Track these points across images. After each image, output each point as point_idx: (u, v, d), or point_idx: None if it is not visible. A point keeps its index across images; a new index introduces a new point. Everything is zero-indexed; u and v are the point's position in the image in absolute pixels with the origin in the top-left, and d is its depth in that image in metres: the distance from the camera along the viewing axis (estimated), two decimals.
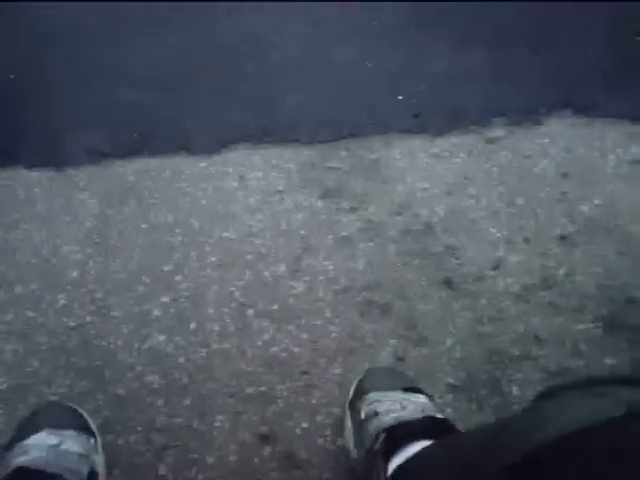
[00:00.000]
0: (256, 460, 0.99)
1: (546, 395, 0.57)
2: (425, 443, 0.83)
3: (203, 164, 1.53)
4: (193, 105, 1.72)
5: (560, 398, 0.55)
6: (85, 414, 0.97)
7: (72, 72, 1.82)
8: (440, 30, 2.01)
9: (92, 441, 0.93)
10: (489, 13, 2.08)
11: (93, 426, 0.97)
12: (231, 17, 2.05)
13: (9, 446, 0.90)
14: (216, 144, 1.58)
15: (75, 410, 0.97)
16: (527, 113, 1.69)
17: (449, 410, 1.05)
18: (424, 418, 0.88)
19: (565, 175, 1.50)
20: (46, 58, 1.87)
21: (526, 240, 1.35)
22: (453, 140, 1.61)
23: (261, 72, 1.84)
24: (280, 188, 1.46)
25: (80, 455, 0.89)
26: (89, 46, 1.92)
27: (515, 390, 1.09)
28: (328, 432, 1.03)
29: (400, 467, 0.81)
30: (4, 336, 1.15)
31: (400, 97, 1.75)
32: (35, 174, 1.49)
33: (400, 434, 0.85)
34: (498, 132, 1.62)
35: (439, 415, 0.90)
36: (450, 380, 1.10)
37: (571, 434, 0.48)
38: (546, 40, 1.96)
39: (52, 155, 1.54)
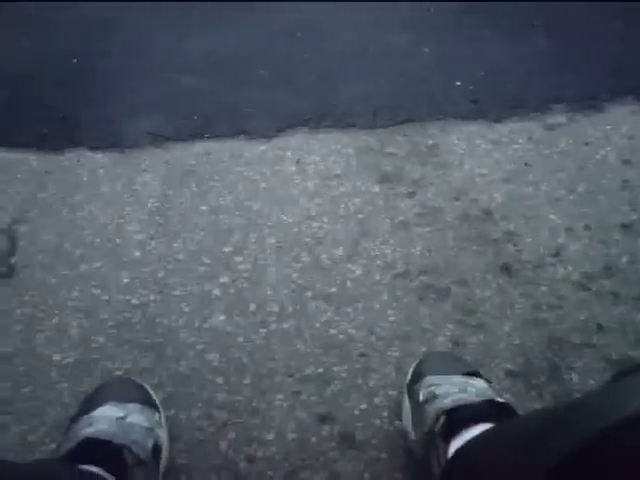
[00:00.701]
0: (314, 439, 1.01)
1: (621, 375, 0.57)
2: (486, 426, 0.82)
3: (262, 148, 1.54)
4: (251, 90, 1.73)
5: (633, 377, 0.54)
6: (149, 389, 1.00)
7: (133, 58, 1.85)
8: (498, 16, 1.99)
9: (156, 415, 0.96)
10: (543, 2, 2.05)
11: (157, 400, 0.99)
12: (287, 4, 2.06)
13: (75, 418, 0.93)
14: (274, 128, 1.60)
15: (139, 385, 1.00)
16: (588, 99, 1.66)
17: (508, 396, 1.04)
18: (485, 401, 0.88)
19: (627, 162, 1.48)
20: (107, 45, 1.90)
21: (587, 227, 1.33)
22: (512, 126, 1.59)
23: (318, 58, 1.85)
24: (338, 172, 1.47)
25: (145, 428, 0.91)
26: (149, 33, 1.95)
27: (575, 378, 1.08)
28: (386, 414, 1.03)
29: (460, 449, 0.81)
30: (70, 312, 1.19)
31: (458, 83, 1.74)
32: (99, 156, 1.52)
33: (461, 416, 0.85)
34: (558, 118, 1.60)
35: (500, 399, 0.89)
36: (508, 366, 1.10)
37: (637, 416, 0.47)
38: (607, 26, 1.93)
39: (115, 137, 1.57)
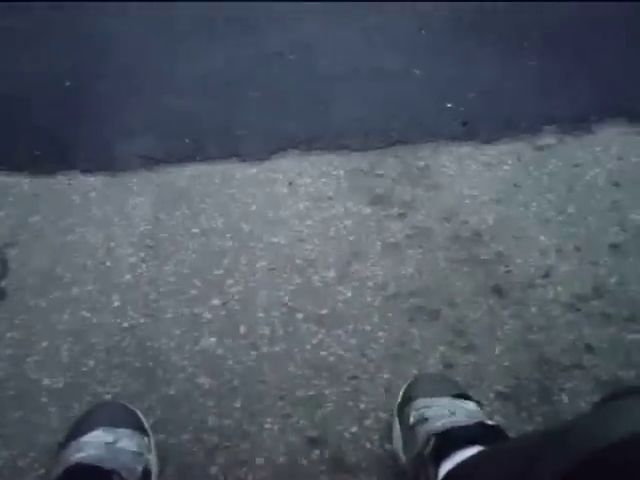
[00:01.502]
0: (305, 462, 1.00)
1: (608, 399, 0.57)
2: (476, 449, 0.83)
3: (253, 170, 1.55)
4: (243, 112, 1.74)
5: (623, 400, 0.55)
6: (139, 413, 1.00)
7: (125, 81, 1.86)
8: (489, 38, 2.01)
9: (146, 440, 0.95)
10: (539, 21, 2.07)
11: (147, 425, 0.99)
12: (280, 27, 2.08)
13: (65, 443, 0.93)
14: (266, 151, 1.61)
15: (129, 409, 0.99)
16: (578, 121, 1.67)
17: (498, 418, 1.04)
18: (475, 424, 0.88)
19: (616, 184, 1.49)
20: (100, 67, 1.91)
21: (577, 249, 1.34)
22: (502, 148, 1.61)
23: (310, 80, 1.86)
24: (329, 194, 1.48)
25: (135, 453, 0.91)
26: (141, 56, 1.96)
27: (565, 399, 1.08)
28: (376, 437, 1.03)
29: (451, 472, 0.81)
30: (61, 336, 1.18)
31: (449, 105, 1.75)
32: (90, 179, 1.53)
33: (451, 439, 0.85)
34: (548, 140, 1.62)
35: (490, 421, 0.90)
36: (499, 388, 1.10)
37: (629, 438, 0.48)
38: (597, 47, 1.95)
39: (106, 160, 1.58)
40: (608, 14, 2.07)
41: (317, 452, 1.01)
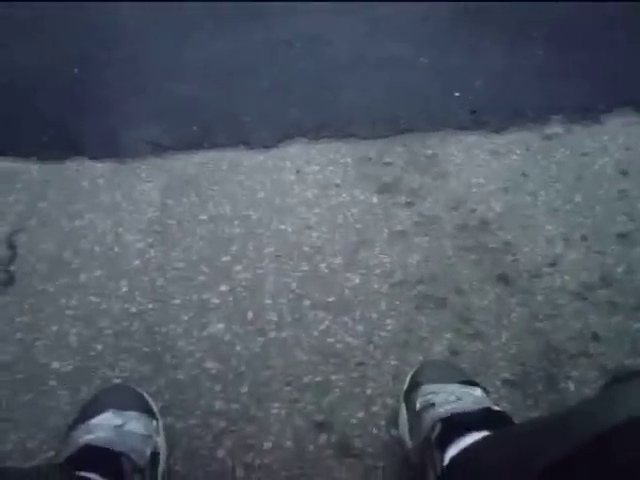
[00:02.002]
0: (311, 447, 1.01)
1: (611, 383, 0.57)
2: (482, 434, 0.83)
3: (261, 157, 1.55)
4: (251, 100, 1.74)
5: (623, 385, 0.55)
6: (147, 397, 1.00)
7: (132, 69, 1.86)
8: (497, 27, 2.01)
9: (154, 423, 0.96)
10: (547, 10, 2.07)
11: (155, 408, 0.99)
12: (287, 15, 2.07)
13: (74, 426, 0.93)
14: (274, 138, 1.61)
15: (138, 392, 1.00)
16: (586, 110, 1.67)
17: (504, 405, 1.04)
18: (481, 409, 0.88)
19: (624, 173, 1.48)
20: (107, 55, 1.92)
21: (584, 238, 1.34)
22: (510, 137, 1.60)
23: (317, 68, 1.86)
24: (337, 182, 1.48)
25: (143, 436, 0.91)
26: (149, 44, 1.97)
27: (571, 387, 1.08)
28: (383, 422, 1.04)
29: (456, 457, 0.82)
30: (69, 320, 1.19)
31: (457, 94, 1.75)
32: (99, 165, 1.53)
33: (457, 424, 0.86)
34: (556, 129, 1.61)
35: (496, 407, 0.90)
36: (505, 375, 1.10)
37: (628, 422, 0.48)
38: (604, 37, 1.94)
39: (115, 147, 1.58)
40: (617, 7, 2.06)
41: (324, 437, 1.02)
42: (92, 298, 1.23)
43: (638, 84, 1.76)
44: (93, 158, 1.55)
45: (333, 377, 1.10)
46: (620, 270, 1.27)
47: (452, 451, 0.84)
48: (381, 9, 2.10)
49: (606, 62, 1.84)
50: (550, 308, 1.20)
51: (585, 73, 1.80)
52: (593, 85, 1.76)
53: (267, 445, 1.01)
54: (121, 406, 0.95)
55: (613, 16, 2.02)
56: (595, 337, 1.15)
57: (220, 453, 1.00)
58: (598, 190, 1.44)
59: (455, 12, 2.08)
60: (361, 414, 1.05)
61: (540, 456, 0.56)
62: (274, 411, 1.05)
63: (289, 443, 1.01)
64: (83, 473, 0.81)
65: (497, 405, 0.93)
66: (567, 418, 0.59)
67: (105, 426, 0.91)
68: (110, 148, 1.59)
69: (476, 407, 0.90)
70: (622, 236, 1.34)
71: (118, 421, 0.92)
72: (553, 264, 1.28)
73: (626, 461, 0.48)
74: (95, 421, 0.92)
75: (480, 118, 1.66)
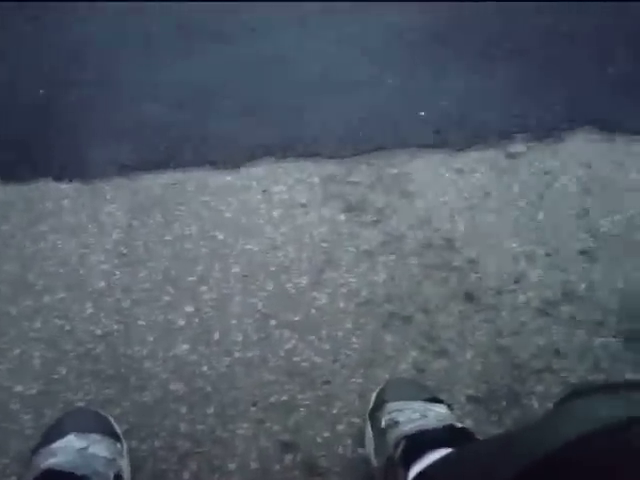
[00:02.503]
0: (277, 467, 1.01)
1: (572, 396, 0.59)
2: (445, 451, 0.84)
3: (227, 178, 1.56)
4: (218, 120, 1.75)
5: (571, 402, 0.56)
6: (111, 419, 0.99)
7: (100, 88, 1.86)
8: (461, 48, 2.04)
9: (118, 445, 0.95)
10: (509, 31, 2.10)
11: (119, 431, 0.99)
12: (254, 35, 2.09)
13: (37, 450, 0.92)
14: (240, 158, 1.61)
15: (101, 415, 0.99)
16: (548, 129, 1.70)
17: (469, 421, 1.05)
18: (445, 427, 0.89)
19: (586, 191, 1.51)
20: (74, 74, 1.91)
21: (547, 254, 1.36)
22: (474, 155, 1.62)
23: (284, 88, 1.87)
24: (303, 202, 1.48)
25: (107, 459, 0.90)
26: (116, 63, 1.96)
27: (535, 403, 1.09)
28: (349, 441, 1.04)
29: (420, 474, 0.82)
30: (33, 343, 1.18)
31: (422, 113, 1.77)
32: (64, 186, 1.52)
33: (420, 442, 0.86)
34: (519, 147, 1.64)
35: (459, 424, 0.91)
36: (470, 392, 1.11)
37: (581, 437, 0.49)
38: (569, 56, 1.98)
39: (80, 168, 1.57)
40: (580, 25, 2.11)
41: (290, 457, 1.02)
42: (56, 320, 1.22)
43: (600, 103, 1.79)
44: (58, 179, 1.54)
45: (299, 396, 1.10)
46: (582, 287, 1.29)
47: (416, 469, 0.84)
48: (348, 28, 2.12)
49: (568, 81, 1.87)
50: (514, 325, 1.22)
51: (548, 92, 1.83)
52: (556, 104, 1.79)
53: (232, 466, 1.01)
54: (84, 429, 0.94)
55: (575, 35, 2.06)
56: (558, 353, 1.17)
57: (185, 475, 1.00)
58: (561, 208, 1.46)
59: (421, 33, 2.11)
60: (327, 433, 1.05)
61: (498, 473, 0.57)
62: (240, 432, 1.05)
63: (255, 464, 1.01)
64: None
65: (462, 422, 0.94)
66: (520, 437, 0.61)
67: (68, 449, 0.90)
68: (75, 169, 1.58)
69: (440, 424, 0.90)
70: (584, 253, 1.36)
71: (81, 444, 0.91)
72: (517, 281, 1.30)
73: (575, 474, 0.49)
74: (58, 444, 0.91)
75: (445, 137, 1.68)
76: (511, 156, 1.62)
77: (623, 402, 0.51)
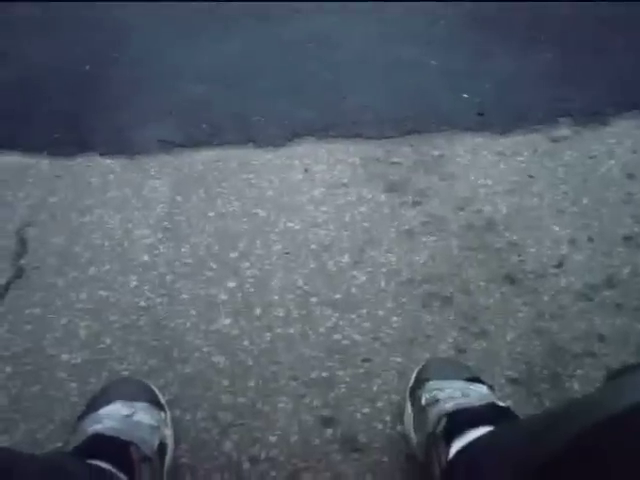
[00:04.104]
0: (317, 441, 1.02)
1: (612, 377, 0.58)
2: (487, 429, 0.84)
3: (269, 156, 1.56)
4: (260, 100, 1.76)
5: (624, 377, 0.56)
6: (155, 389, 1.01)
7: (142, 67, 1.88)
8: (505, 30, 2.02)
9: (162, 415, 0.97)
10: (556, 13, 2.07)
11: (163, 400, 1.00)
12: (297, 16, 2.09)
13: (83, 416, 0.94)
14: (282, 137, 1.62)
15: (146, 384, 1.01)
16: (593, 113, 1.68)
17: (509, 403, 1.05)
18: (486, 405, 0.89)
19: (631, 176, 1.49)
20: (120, 53, 1.93)
21: (590, 239, 1.34)
22: (517, 139, 1.61)
23: (327, 69, 1.87)
24: (344, 181, 1.49)
25: (151, 426, 0.92)
26: (160, 43, 1.98)
27: (576, 386, 1.09)
28: (388, 418, 1.05)
29: (461, 451, 0.83)
30: (79, 314, 1.20)
31: (465, 95, 1.76)
32: (109, 161, 1.55)
33: (462, 419, 0.87)
34: (564, 132, 1.62)
35: (501, 403, 0.91)
36: (510, 373, 1.11)
37: (628, 409, 0.49)
38: (613, 40, 1.95)
39: (125, 144, 1.60)
40: (623, 10, 2.07)
41: (329, 431, 1.03)
42: (101, 292, 1.25)
43: None
44: (103, 154, 1.57)
45: (339, 373, 1.11)
46: (626, 272, 1.28)
47: (457, 445, 0.85)
48: (391, 10, 2.11)
49: (614, 65, 1.85)
50: (556, 308, 1.21)
51: (593, 76, 1.81)
52: (601, 89, 1.77)
53: (273, 439, 1.02)
54: (130, 397, 0.96)
55: (620, 19, 2.03)
56: (600, 337, 1.16)
57: (227, 446, 1.01)
58: (605, 193, 1.45)
59: (464, 15, 2.09)
60: (366, 409, 1.06)
61: (544, 446, 0.57)
62: (280, 405, 1.06)
63: (295, 437, 1.02)
64: (93, 462, 0.82)
65: (502, 402, 0.94)
66: (568, 410, 0.60)
67: (114, 416, 0.92)
68: (120, 145, 1.60)
69: (481, 403, 0.90)
70: (628, 238, 1.34)
71: (127, 411, 0.93)
72: (559, 265, 1.29)
73: (625, 447, 0.49)
74: (104, 411, 0.93)
75: (488, 120, 1.67)
76: (555, 140, 1.60)
77: None
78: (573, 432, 0.53)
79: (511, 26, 2.04)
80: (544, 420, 0.64)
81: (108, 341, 1.16)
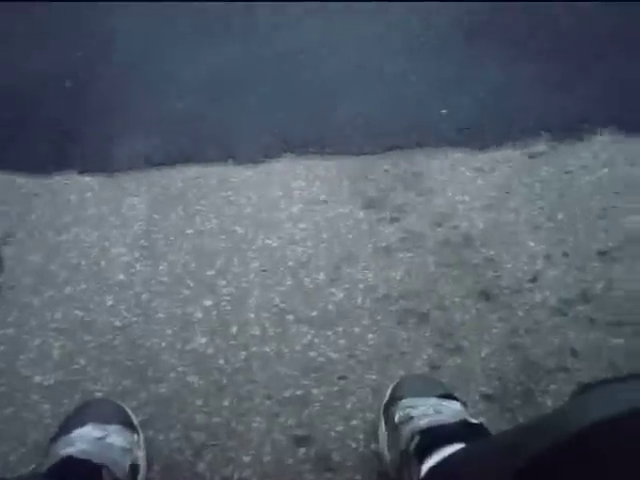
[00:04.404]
0: (291, 461, 1.02)
1: (579, 392, 0.59)
2: (459, 446, 0.84)
3: (249, 173, 1.57)
4: (241, 115, 1.76)
5: (591, 392, 0.57)
6: (128, 410, 1.01)
7: (125, 82, 1.88)
8: (486, 46, 2.03)
9: (135, 436, 0.97)
10: (536, 29, 2.09)
11: (136, 422, 1.00)
12: (280, 31, 2.09)
13: (55, 438, 0.94)
14: (262, 154, 1.62)
15: (119, 406, 1.01)
16: (571, 129, 1.69)
17: (482, 419, 1.05)
18: (459, 422, 0.89)
19: (607, 191, 1.50)
20: (100, 68, 1.93)
21: (565, 254, 1.35)
22: (495, 154, 1.62)
23: (307, 84, 1.88)
24: (323, 198, 1.49)
25: (123, 449, 0.92)
26: (141, 58, 1.98)
27: (549, 402, 1.10)
28: (362, 436, 1.05)
29: (433, 468, 0.83)
30: (53, 334, 1.20)
31: (444, 111, 1.76)
32: (87, 179, 1.55)
33: (434, 436, 0.87)
34: (541, 147, 1.63)
35: (473, 420, 0.91)
36: (484, 389, 1.11)
37: (608, 418, 0.50)
38: (592, 57, 1.96)
39: (104, 161, 1.60)
40: (605, 26, 2.09)
41: (303, 450, 1.03)
42: (77, 312, 1.24)
43: (623, 102, 1.78)
44: (82, 172, 1.57)
45: (314, 391, 1.11)
46: (599, 287, 1.29)
47: (430, 463, 0.85)
48: (375, 25, 2.12)
49: (592, 81, 1.86)
50: (530, 323, 1.22)
51: (571, 92, 1.82)
52: (579, 104, 1.78)
53: (246, 459, 1.02)
54: (102, 419, 0.96)
55: (601, 36, 2.05)
56: (573, 352, 1.17)
57: (200, 467, 1.01)
58: (580, 208, 1.46)
59: (447, 30, 2.10)
60: (340, 428, 1.06)
61: (516, 456, 0.57)
62: (255, 425, 1.07)
63: (268, 457, 1.02)
64: None
65: (475, 419, 0.95)
66: (539, 425, 0.61)
67: (86, 438, 0.92)
68: (99, 162, 1.60)
69: (454, 420, 0.91)
70: (602, 253, 1.35)
71: (99, 434, 0.93)
72: (534, 280, 1.30)
73: (595, 460, 0.49)
74: (76, 433, 0.93)
75: (466, 135, 1.68)
76: (532, 156, 1.61)
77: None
78: (545, 444, 0.54)
79: (491, 42, 2.05)
80: (515, 434, 0.65)
81: (82, 361, 1.16)
